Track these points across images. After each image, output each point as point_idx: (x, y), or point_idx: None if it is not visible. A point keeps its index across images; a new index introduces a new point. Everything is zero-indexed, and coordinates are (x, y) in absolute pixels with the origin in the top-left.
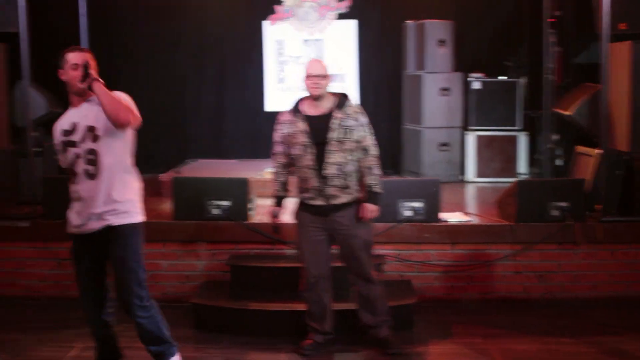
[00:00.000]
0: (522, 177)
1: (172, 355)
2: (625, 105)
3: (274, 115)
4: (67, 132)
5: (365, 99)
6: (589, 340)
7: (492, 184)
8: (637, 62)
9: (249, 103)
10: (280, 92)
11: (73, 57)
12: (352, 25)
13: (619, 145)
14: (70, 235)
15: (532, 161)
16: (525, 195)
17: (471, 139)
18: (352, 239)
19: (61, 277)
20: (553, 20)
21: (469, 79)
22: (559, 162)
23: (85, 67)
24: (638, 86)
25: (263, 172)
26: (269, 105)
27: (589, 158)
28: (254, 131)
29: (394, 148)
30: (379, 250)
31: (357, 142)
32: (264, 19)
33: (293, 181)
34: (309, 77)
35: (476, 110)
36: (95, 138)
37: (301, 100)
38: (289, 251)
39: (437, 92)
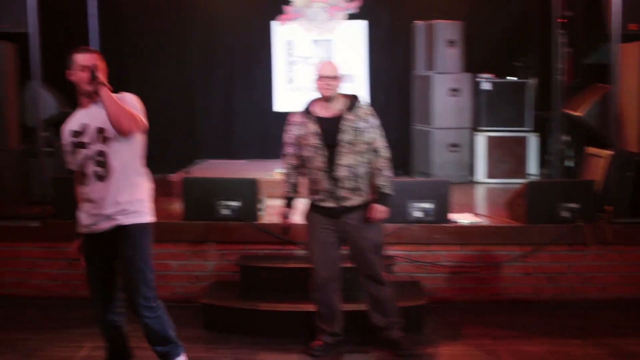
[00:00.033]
0: (532, 178)
1: (178, 355)
2: (635, 106)
3: (283, 115)
4: (77, 134)
5: (374, 100)
6: (599, 342)
7: (502, 185)
8: None
9: (258, 103)
10: (290, 92)
11: (81, 59)
12: (361, 25)
13: (630, 146)
14: (80, 234)
15: (542, 162)
16: (535, 196)
17: (481, 140)
18: (363, 240)
19: (71, 277)
20: (563, 20)
21: (478, 79)
22: (569, 163)
23: (92, 71)
24: None
25: (272, 172)
26: (278, 106)
27: (599, 159)
28: (263, 131)
29: (403, 149)
30: (389, 251)
31: (368, 143)
32: (273, 19)
33: (303, 182)
34: (320, 78)
35: (486, 111)
36: (105, 140)
37: (312, 101)
38: (299, 252)
39: (446, 92)
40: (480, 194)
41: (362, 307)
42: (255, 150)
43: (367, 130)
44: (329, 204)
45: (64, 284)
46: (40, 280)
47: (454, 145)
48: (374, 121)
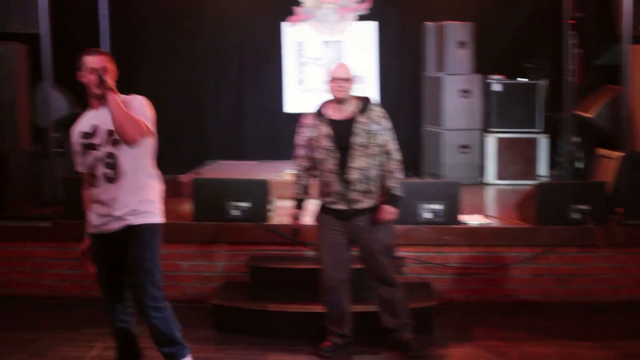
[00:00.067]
0: (543, 180)
1: (184, 357)
2: None
3: (293, 116)
4: (88, 135)
5: (385, 101)
6: (609, 344)
7: (512, 186)
8: None
9: (269, 104)
10: (300, 93)
11: (91, 61)
12: (372, 26)
13: None
14: (90, 235)
15: (553, 164)
16: (545, 197)
17: (491, 141)
18: (373, 242)
19: (82, 277)
20: (573, 22)
21: (489, 80)
22: (579, 164)
23: (100, 76)
24: None
25: (282, 173)
26: (289, 107)
27: (610, 160)
28: (273, 132)
29: (413, 150)
30: (399, 252)
31: (381, 146)
32: (284, 20)
33: (314, 184)
34: (333, 80)
35: (496, 112)
36: (115, 142)
37: (324, 103)
38: (309, 253)
39: (457, 94)
40: (490, 196)
41: (371, 308)
42: (266, 151)
43: (379, 133)
44: (340, 206)
45: (75, 284)
46: (51, 281)
47: (464, 147)
48: (387, 123)
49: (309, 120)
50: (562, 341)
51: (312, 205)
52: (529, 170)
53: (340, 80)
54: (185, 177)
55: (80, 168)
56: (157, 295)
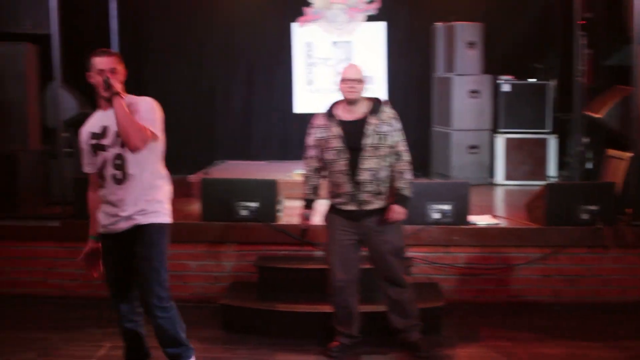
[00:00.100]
0: (552, 180)
1: (189, 358)
2: None
3: (302, 117)
4: (97, 136)
5: (394, 101)
6: (618, 345)
7: (521, 186)
8: None
9: (278, 105)
10: (309, 94)
11: (99, 62)
12: (381, 27)
13: None
14: (98, 236)
15: (562, 164)
16: (554, 198)
17: (500, 142)
18: (383, 243)
19: (91, 277)
20: (583, 22)
21: (498, 81)
22: (589, 165)
23: (105, 80)
24: None
25: (292, 173)
26: (298, 107)
27: (619, 161)
28: (282, 133)
29: (422, 150)
30: (407, 252)
31: (391, 147)
32: (293, 20)
33: (324, 184)
34: (344, 81)
35: (505, 112)
36: (124, 143)
37: (335, 104)
38: (317, 253)
39: (466, 94)
40: (499, 196)
41: (380, 308)
42: (275, 151)
43: (390, 134)
44: (351, 207)
45: (83, 284)
46: (60, 280)
47: (473, 147)
48: (397, 125)
49: (319, 121)
50: (570, 342)
51: (321, 206)
52: (538, 171)
53: (351, 81)
54: (194, 177)
55: (87, 169)
56: (163, 295)
